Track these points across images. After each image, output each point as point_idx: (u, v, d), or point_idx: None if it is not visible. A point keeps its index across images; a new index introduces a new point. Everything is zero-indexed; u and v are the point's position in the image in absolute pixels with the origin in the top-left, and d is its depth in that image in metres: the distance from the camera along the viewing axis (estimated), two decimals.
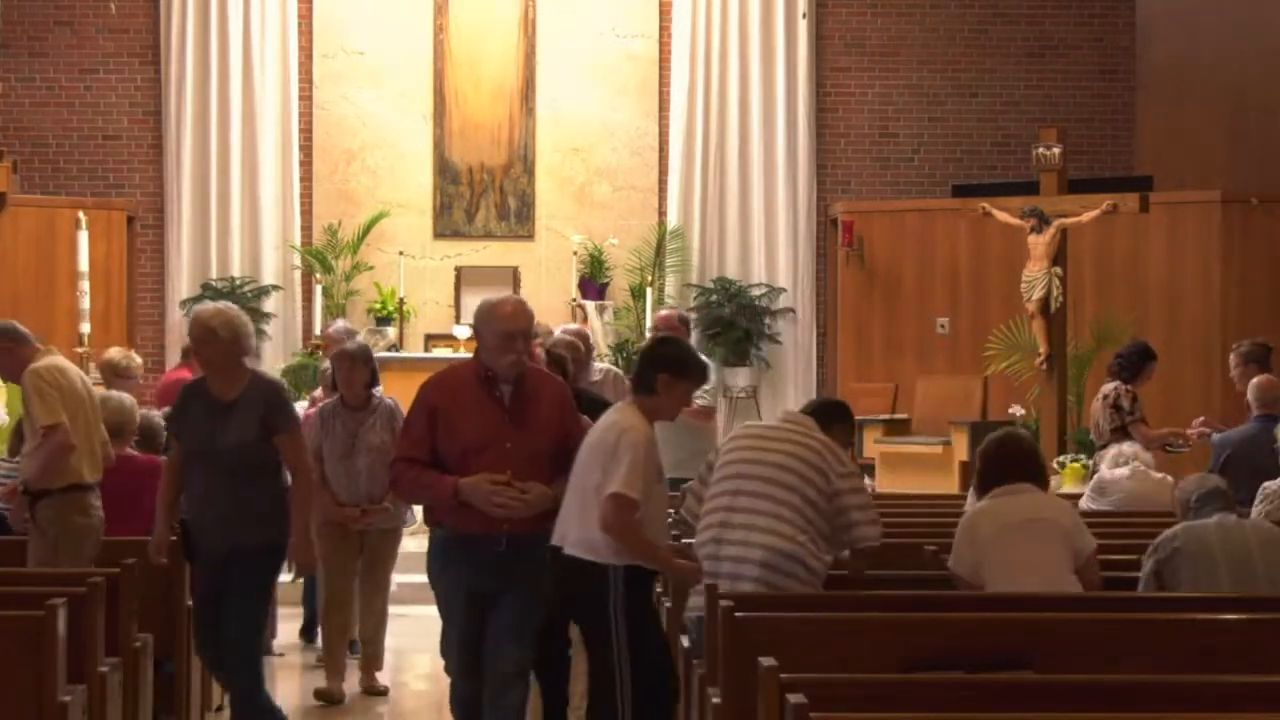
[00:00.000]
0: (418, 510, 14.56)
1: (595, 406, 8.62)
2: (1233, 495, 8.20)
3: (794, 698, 5.30)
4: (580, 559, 7.22)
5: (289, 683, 10.91)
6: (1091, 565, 7.66)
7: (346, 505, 10.35)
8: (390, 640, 11.73)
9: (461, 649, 7.44)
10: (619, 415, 7.36)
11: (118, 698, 7.82)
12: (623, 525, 7.09)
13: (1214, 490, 7.98)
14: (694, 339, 18.33)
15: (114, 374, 11.80)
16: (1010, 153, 18.42)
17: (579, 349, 10.27)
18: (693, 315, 18.48)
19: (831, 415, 8.08)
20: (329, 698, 10.28)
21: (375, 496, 10.35)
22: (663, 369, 7.35)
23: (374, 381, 10.45)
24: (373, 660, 10.64)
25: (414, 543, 14.27)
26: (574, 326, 13.35)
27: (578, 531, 7.24)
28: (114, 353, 12.20)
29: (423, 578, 13.23)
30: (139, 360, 12.27)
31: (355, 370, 10.34)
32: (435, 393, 7.44)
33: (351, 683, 10.62)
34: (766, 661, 5.82)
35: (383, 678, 10.75)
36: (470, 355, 7.77)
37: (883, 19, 18.80)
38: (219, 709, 9.94)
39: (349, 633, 10.67)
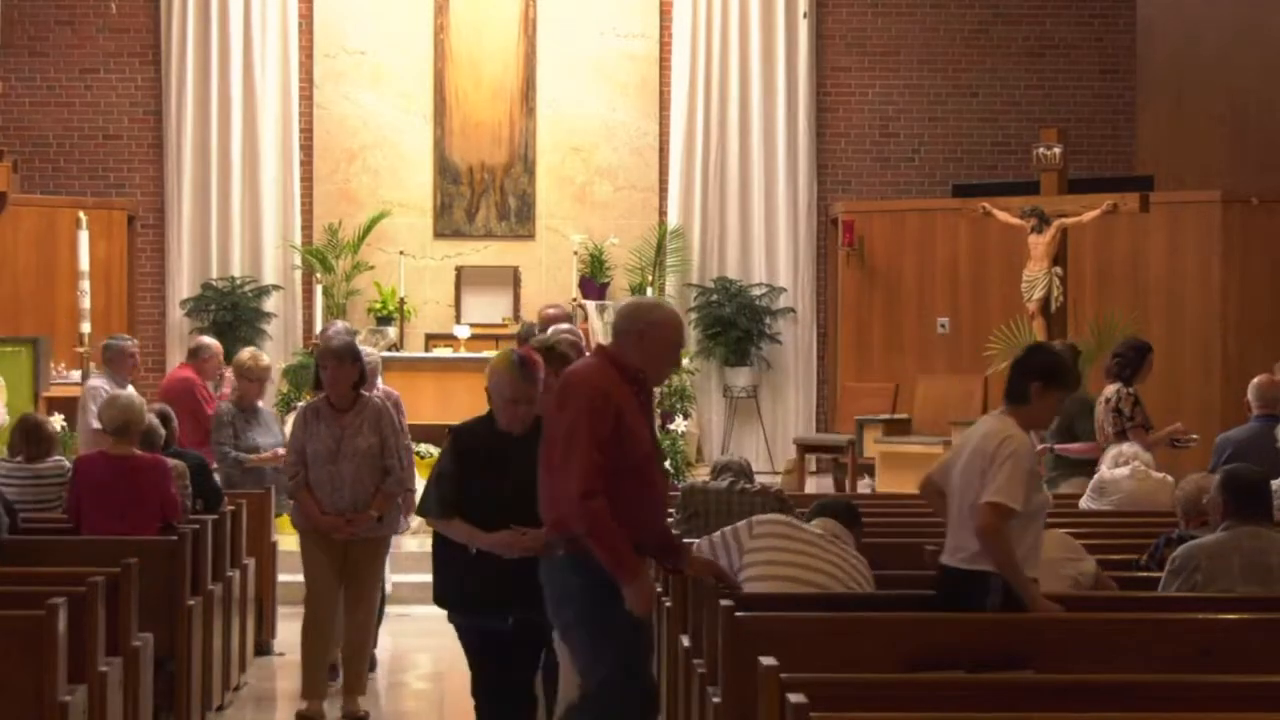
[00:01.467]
0: (415, 519, 14.58)
1: None
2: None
3: (794, 697, 5.31)
4: (961, 568, 7.05)
5: (285, 698, 10.63)
6: (1101, 584, 7.65)
7: (329, 514, 9.56)
8: (390, 640, 11.73)
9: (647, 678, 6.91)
10: (998, 423, 7.14)
11: (118, 697, 7.82)
12: (995, 532, 6.90)
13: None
14: (691, 338, 18.40)
15: (240, 375, 11.90)
16: (1010, 153, 18.44)
17: (582, 348, 9.50)
18: (693, 315, 18.52)
19: (852, 518, 8.24)
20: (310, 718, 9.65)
21: (361, 504, 9.59)
22: (1035, 377, 7.15)
23: (362, 381, 9.72)
24: (355, 683, 9.78)
25: (414, 543, 14.29)
26: (553, 310, 13.02)
27: (957, 539, 7.10)
28: (243, 354, 12.26)
29: (422, 578, 13.22)
30: (266, 362, 12.22)
31: (341, 369, 9.56)
32: (614, 390, 6.79)
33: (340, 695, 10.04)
34: (767, 661, 5.82)
35: (366, 702, 9.92)
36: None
37: (883, 19, 18.81)
38: (220, 708, 9.94)
39: (331, 651, 9.88)
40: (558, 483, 6.74)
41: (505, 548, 7.25)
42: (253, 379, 11.83)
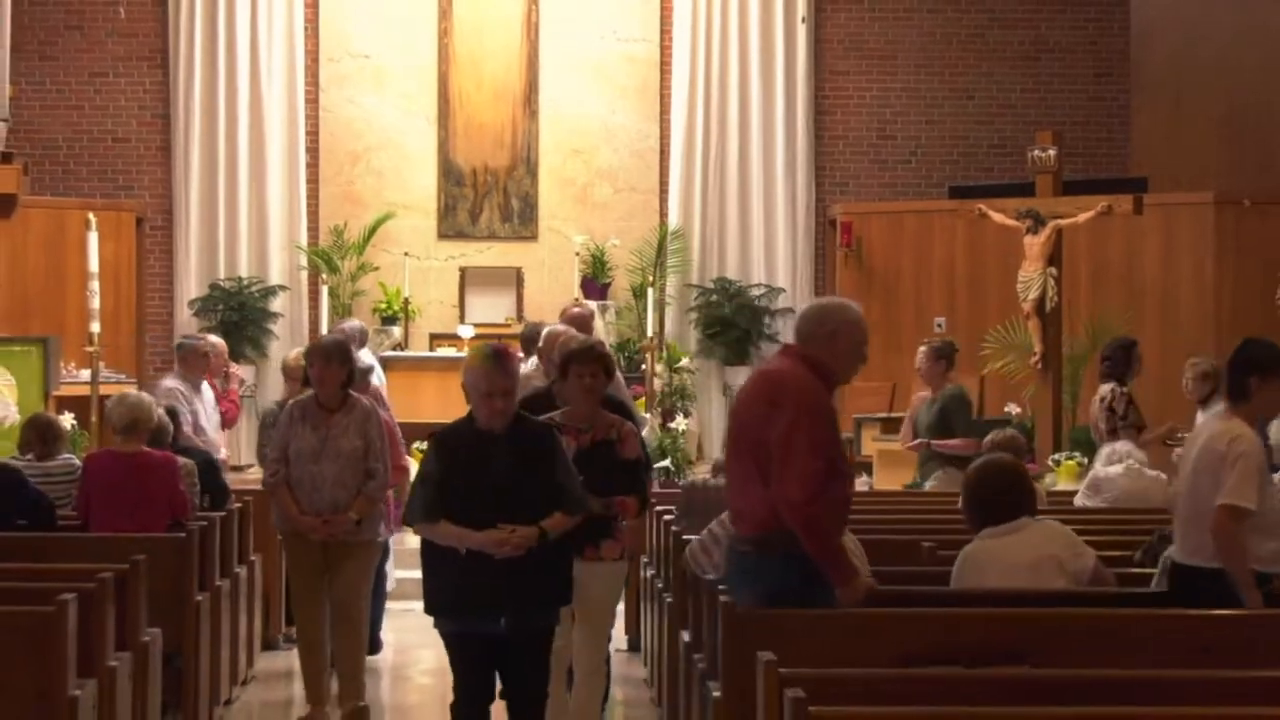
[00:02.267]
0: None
1: (620, 409, 8.54)
2: None
3: (793, 692, 5.36)
4: (1197, 566, 7.13)
5: (293, 693, 10.57)
6: (1099, 578, 7.75)
7: (307, 514, 9.33)
8: (391, 636, 11.79)
9: None
10: (1223, 424, 7.20)
11: (127, 692, 7.90)
12: (1227, 534, 7.01)
13: None
14: (691, 338, 18.53)
15: (287, 376, 11.98)
16: (1006, 155, 18.54)
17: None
18: (693, 315, 18.64)
19: None
20: None
21: (340, 506, 9.33)
22: (1251, 372, 7.20)
23: (350, 381, 9.47)
24: (349, 689, 9.53)
25: (418, 539, 14.41)
26: (577, 310, 13.01)
27: (1195, 538, 7.16)
28: (289, 355, 12.38)
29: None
30: None
31: (328, 369, 9.33)
32: (826, 396, 6.81)
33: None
34: (765, 656, 5.87)
35: (368, 696, 9.78)
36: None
37: (881, 23, 18.93)
38: (228, 702, 10.04)
39: (323, 652, 9.59)
40: (773, 485, 6.68)
41: (495, 546, 7.15)
42: (296, 379, 11.80)
